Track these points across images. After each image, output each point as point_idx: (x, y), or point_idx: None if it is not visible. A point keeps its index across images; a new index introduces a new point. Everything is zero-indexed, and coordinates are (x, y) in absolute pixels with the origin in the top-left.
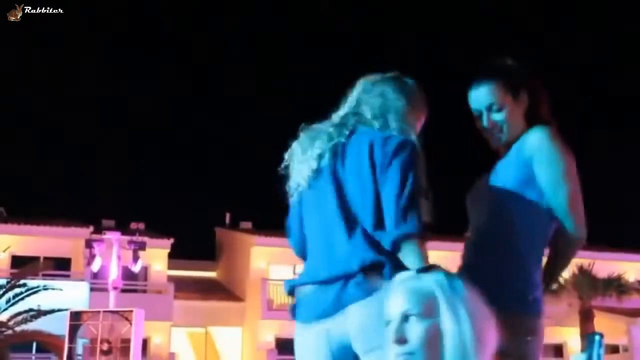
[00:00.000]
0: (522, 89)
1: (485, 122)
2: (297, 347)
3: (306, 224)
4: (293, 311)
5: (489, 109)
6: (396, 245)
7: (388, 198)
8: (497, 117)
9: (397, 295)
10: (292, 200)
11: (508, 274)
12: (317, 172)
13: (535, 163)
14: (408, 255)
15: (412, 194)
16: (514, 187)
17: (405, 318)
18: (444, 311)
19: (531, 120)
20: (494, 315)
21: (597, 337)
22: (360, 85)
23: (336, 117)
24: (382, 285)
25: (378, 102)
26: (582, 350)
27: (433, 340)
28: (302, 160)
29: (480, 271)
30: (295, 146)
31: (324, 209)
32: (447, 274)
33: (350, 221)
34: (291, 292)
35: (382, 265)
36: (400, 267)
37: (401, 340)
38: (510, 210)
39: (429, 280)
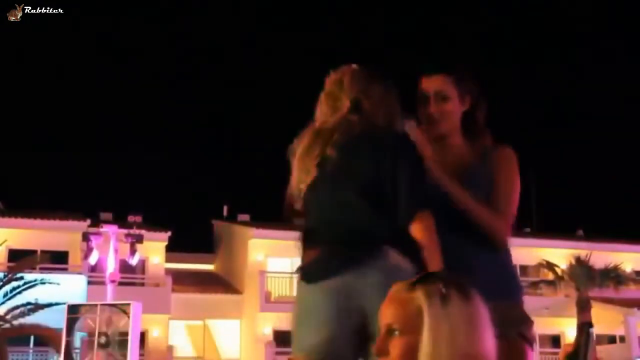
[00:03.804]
0: (468, 93)
1: (430, 107)
2: (302, 304)
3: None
4: (302, 271)
5: (437, 95)
6: (404, 232)
7: (401, 191)
8: (443, 106)
9: (388, 305)
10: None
11: (500, 267)
12: (324, 168)
13: (496, 175)
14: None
15: (420, 190)
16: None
17: (390, 331)
18: (426, 329)
19: (468, 125)
20: (492, 324)
21: (585, 328)
22: (348, 80)
23: (334, 116)
24: (401, 259)
25: (373, 97)
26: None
27: (410, 357)
28: (306, 158)
29: (475, 268)
30: (299, 145)
31: (336, 193)
32: (444, 284)
33: (367, 201)
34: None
35: (400, 242)
36: (414, 248)
37: (383, 352)
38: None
39: (420, 293)
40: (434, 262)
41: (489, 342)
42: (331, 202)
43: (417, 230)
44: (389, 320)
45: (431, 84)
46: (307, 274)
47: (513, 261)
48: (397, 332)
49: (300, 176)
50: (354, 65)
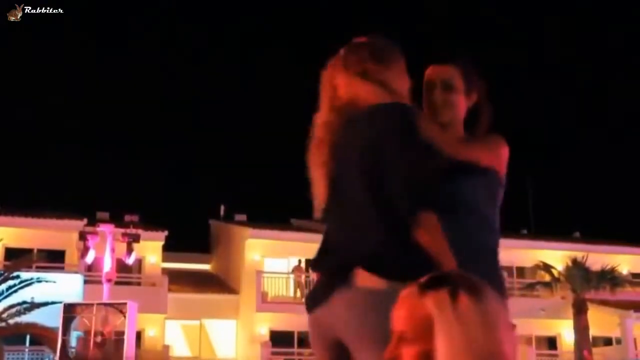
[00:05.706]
0: (474, 90)
1: (436, 96)
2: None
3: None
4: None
5: (444, 84)
6: (413, 229)
7: (395, 180)
8: (448, 95)
9: (398, 312)
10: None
11: (492, 263)
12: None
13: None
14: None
15: (419, 169)
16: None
17: (401, 338)
18: (438, 336)
19: (471, 124)
20: (510, 325)
21: None
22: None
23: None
24: (374, 281)
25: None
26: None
27: None
28: (315, 171)
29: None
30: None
31: (342, 199)
32: (454, 288)
33: (358, 211)
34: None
35: (378, 260)
36: (402, 261)
37: (394, 359)
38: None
39: (430, 300)
40: (446, 262)
41: (507, 341)
42: (330, 220)
43: (421, 235)
44: (400, 326)
45: (438, 72)
46: (305, 302)
47: (509, 263)
48: (408, 340)
49: (315, 190)
50: (358, 40)
